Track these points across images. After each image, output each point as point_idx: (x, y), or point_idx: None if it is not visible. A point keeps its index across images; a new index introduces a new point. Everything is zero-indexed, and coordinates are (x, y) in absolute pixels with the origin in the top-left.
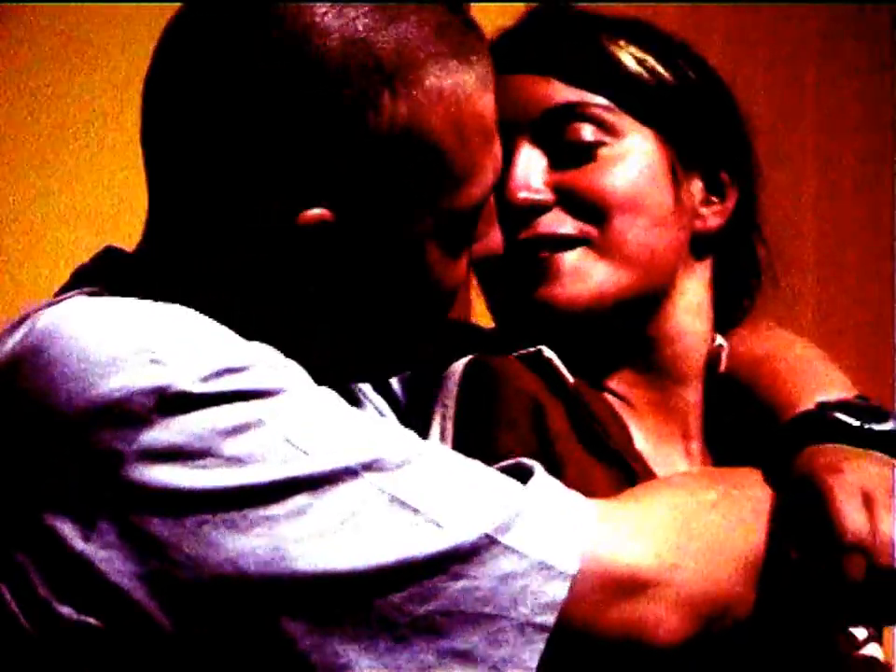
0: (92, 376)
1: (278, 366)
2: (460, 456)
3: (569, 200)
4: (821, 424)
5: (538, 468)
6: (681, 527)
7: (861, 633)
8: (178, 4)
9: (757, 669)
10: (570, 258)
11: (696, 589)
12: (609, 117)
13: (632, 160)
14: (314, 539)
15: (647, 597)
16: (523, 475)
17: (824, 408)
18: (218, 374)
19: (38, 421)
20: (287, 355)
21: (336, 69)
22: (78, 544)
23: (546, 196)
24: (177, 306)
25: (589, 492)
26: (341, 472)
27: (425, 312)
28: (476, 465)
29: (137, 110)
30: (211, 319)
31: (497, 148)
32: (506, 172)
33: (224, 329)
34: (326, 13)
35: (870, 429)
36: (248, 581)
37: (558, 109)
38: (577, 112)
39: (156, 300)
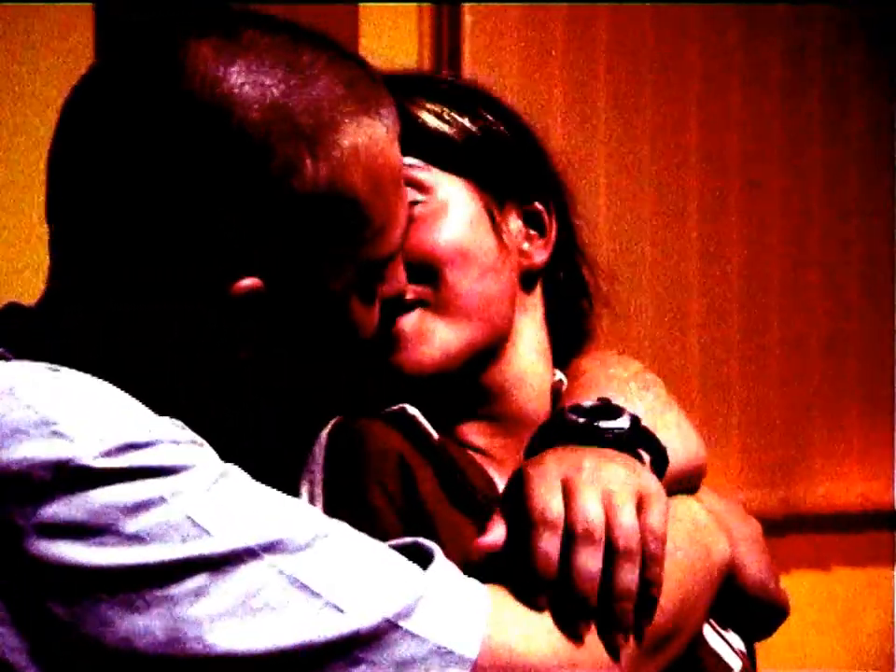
0: None
1: (184, 442)
2: (364, 538)
3: (414, 266)
4: (555, 427)
5: (437, 551)
6: None
7: (736, 665)
8: None
9: None
10: (410, 321)
11: None
12: (418, 175)
13: (449, 212)
14: (212, 621)
15: None
16: (422, 558)
17: (560, 412)
18: (122, 450)
19: None
20: (201, 418)
21: (258, 139)
22: None
23: None
24: (85, 375)
25: (461, 548)
26: (241, 553)
27: (346, 359)
28: (378, 547)
29: None
30: (119, 389)
31: (405, 192)
32: None
33: (132, 400)
34: (243, 84)
35: (595, 426)
36: (144, 663)
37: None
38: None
39: (63, 363)
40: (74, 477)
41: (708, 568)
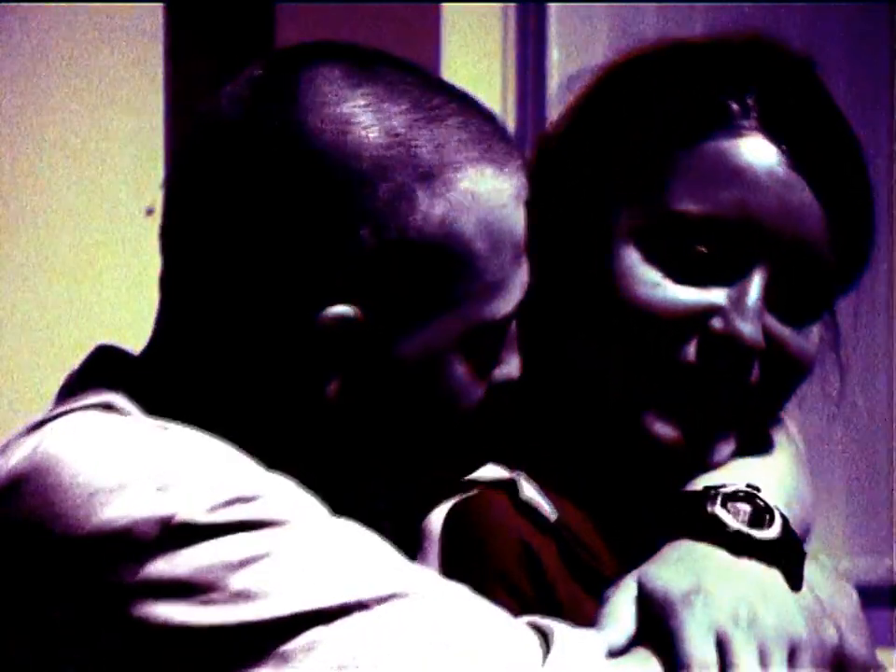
0: (97, 503)
1: (290, 496)
2: (476, 597)
3: (771, 358)
4: (701, 515)
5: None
6: None
7: None
8: None
9: None
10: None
11: None
12: None
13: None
14: None
15: None
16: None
17: (707, 495)
18: (227, 504)
19: (40, 547)
20: (305, 471)
21: (373, 163)
22: None
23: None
24: (191, 430)
25: (584, 625)
26: (353, 606)
27: (441, 430)
28: (496, 609)
29: None
30: (224, 441)
31: (527, 267)
32: (740, 290)
33: (238, 454)
34: (366, 106)
35: (748, 536)
36: None
37: (820, 258)
38: (825, 269)
39: (171, 414)
40: (179, 533)
41: (821, 658)
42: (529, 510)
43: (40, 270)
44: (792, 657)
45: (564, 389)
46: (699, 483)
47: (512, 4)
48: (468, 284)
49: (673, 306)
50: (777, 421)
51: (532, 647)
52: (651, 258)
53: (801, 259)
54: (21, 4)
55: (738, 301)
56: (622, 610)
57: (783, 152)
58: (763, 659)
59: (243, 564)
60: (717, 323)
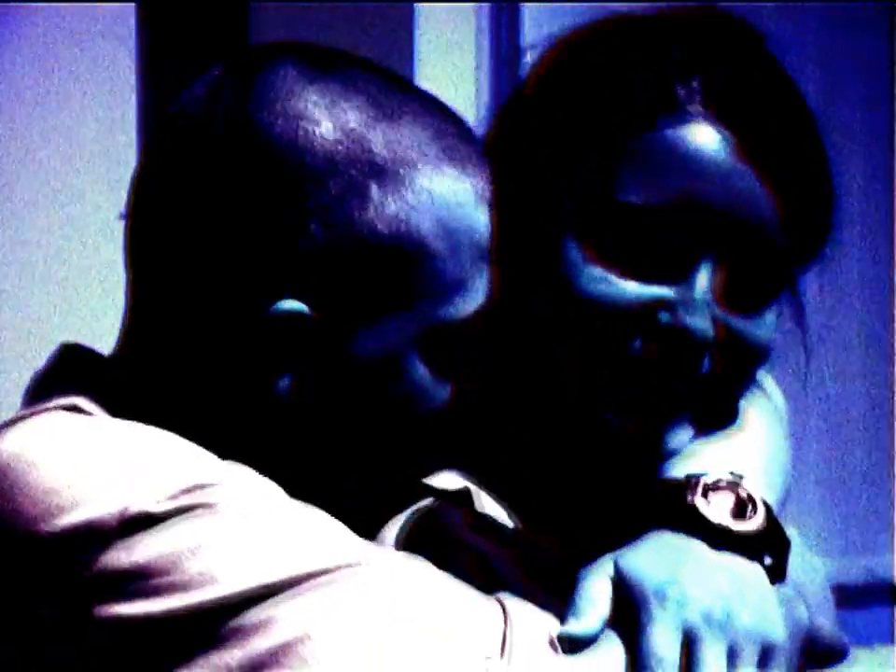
0: (58, 500)
1: (247, 480)
2: (432, 568)
3: (726, 348)
4: (681, 506)
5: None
6: None
7: None
8: None
9: None
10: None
11: None
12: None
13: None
14: (284, 652)
15: None
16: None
17: (688, 485)
18: (185, 492)
19: (10, 548)
20: (270, 469)
21: (324, 158)
22: None
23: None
24: (149, 427)
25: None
26: (306, 576)
27: (404, 431)
28: (459, 584)
29: None
30: (184, 437)
31: (486, 267)
32: (688, 283)
33: (197, 448)
34: (319, 102)
35: (728, 529)
36: None
37: (771, 244)
38: (779, 254)
39: (135, 412)
40: (135, 522)
41: (795, 652)
42: (486, 521)
43: (14, 274)
44: (766, 657)
45: (528, 387)
46: (681, 471)
47: (486, 3)
48: (424, 283)
49: (620, 301)
50: (753, 384)
51: (493, 616)
52: (599, 251)
53: (751, 247)
54: None
55: (686, 294)
56: (596, 593)
57: (729, 137)
58: (734, 660)
59: (200, 547)
60: (664, 317)
